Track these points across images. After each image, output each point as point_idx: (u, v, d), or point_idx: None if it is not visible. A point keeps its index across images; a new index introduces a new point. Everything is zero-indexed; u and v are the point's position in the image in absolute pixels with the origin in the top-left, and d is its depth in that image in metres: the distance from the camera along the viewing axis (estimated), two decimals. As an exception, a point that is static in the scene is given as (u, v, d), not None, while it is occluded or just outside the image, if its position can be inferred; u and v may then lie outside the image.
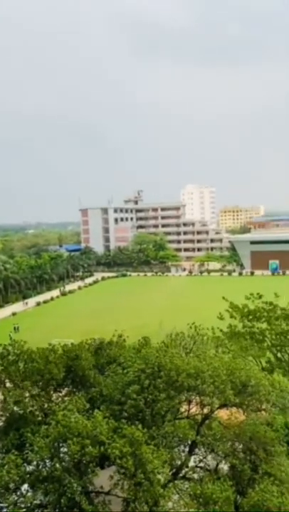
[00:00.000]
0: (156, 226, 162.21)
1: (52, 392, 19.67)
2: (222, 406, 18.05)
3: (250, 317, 35.64)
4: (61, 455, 14.83)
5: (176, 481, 16.82)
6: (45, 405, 18.89)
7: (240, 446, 18.18)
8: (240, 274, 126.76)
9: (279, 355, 34.42)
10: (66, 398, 19.12)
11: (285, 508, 14.38)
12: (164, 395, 16.92)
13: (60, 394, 20.16)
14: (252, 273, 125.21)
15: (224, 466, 18.69)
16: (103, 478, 15.11)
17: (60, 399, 19.59)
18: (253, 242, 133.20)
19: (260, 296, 37.10)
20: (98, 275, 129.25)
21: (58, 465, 14.17)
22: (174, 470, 17.38)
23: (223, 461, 18.53)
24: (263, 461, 17.10)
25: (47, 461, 14.78)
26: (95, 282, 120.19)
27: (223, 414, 19.43)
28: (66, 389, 20.40)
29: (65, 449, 14.66)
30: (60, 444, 14.79)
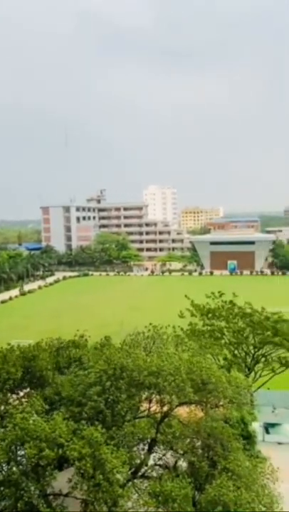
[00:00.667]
0: (118, 226, 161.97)
1: (9, 393, 19.13)
2: (182, 404, 18.31)
3: (210, 315, 36.43)
4: (18, 458, 14.47)
5: (135, 480, 16.88)
6: (2, 407, 18.35)
7: (199, 443, 18.52)
8: (200, 273, 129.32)
9: (236, 352, 35.42)
10: (24, 400, 18.67)
11: (241, 502, 14.79)
12: (125, 396, 16.93)
13: (18, 395, 19.66)
14: (211, 273, 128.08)
15: (183, 463, 18.97)
16: (62, 481, 14.90)
17: (17, 401, 19.09)
18: (212, 243, 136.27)
19: (221, 295, 38.02)
20: (59, 274, 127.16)
21: (14, 468, 13.82)
22: (134, 469, 17.43)
23: (182, 459, 18.80)
24: (220, 456, 17.51)
25: (3, 465, 14.36)
26: (56, 282, 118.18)
27: (182, 411, 19.70)
28: (24, 391, 19.92)
29: (23, 452, 14.31)
30: (18, 447, 14.42)
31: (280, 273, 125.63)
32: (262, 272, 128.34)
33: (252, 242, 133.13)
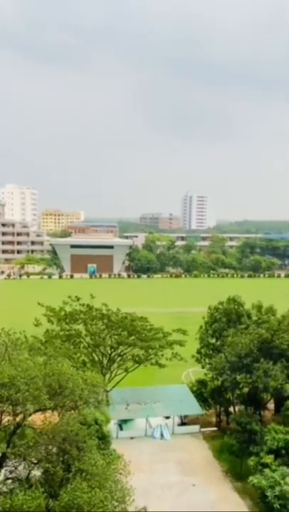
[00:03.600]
0: None
1: None
2: (37, 411, 17.69)
3: (68, 320, 36.22)
4: None
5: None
6: None
7: (54, 449, 18.15)
8: (61, 277, 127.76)
9: (94, 354, 36.01)
10: None
11: (94, 502, 15.01)
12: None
13: None
14: (71, 276, 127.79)
15: (37, 472, 18.31)
16: None
17: None
18: (73, 246, 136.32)
19: (78, 299, 38.12)
20: None
21: None
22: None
23: (36, 468, 18.14)
24: (75, 459, 17.48)
25: None
26: None
27: (37, 419, 19.04)
28: None
29: None
30: None
31: (135, 276, 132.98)
32: (119, 274, 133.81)
33: (111, 247, 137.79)
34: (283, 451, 21.80)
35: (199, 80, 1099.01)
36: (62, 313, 36.79)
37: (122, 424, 33.89)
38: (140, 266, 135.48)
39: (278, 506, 16.47)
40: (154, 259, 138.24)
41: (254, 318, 36.00)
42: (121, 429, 33.53)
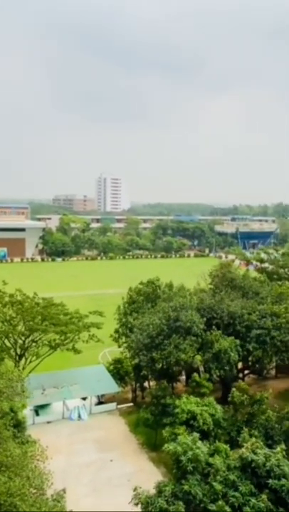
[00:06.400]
0: None
1: None
2: None
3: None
4: None
5: None
6: None
7: None
8: None
9: (6, 341, 34.68)
10: None
11: (11, 491, 14.73)
12: None
13: None
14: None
15: None
16: None
17: None
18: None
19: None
20: None
21: None
22: None
23: None
24: (-11, 452, 16.87)
25: None
26: None
27: None
28: None
29: None
30: None
31: (50, 259, 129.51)
32: (33, 258, 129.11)
33: (22, 229, 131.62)
34: (192, 422, 23.62)
35: (110, 61, 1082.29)
36: None
37: (38, 409, 33.40)
38: (55, 249, 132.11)
39: (191, 468, 17.86)
40: (68, 241, 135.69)
41: (163, 296, 37.62)
42: (37, 414, 33.05)
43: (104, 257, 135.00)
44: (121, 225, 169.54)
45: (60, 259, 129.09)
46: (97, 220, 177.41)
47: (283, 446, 19.75)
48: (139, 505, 17.78)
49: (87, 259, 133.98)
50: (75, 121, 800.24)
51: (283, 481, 17.29)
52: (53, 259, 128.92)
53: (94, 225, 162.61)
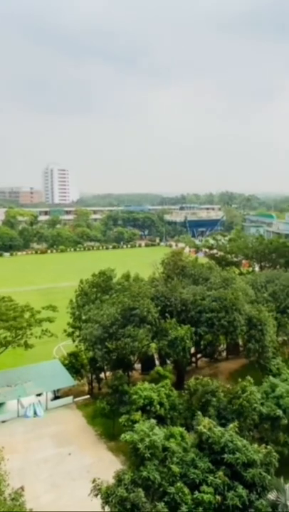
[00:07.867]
0: None
1: None
2: None
3: None
4: None
5: None
6: None
7: None
8: None
9: None
10: None
11: None
12: None
13: None
14: None
15: None
16: None
17: None
18: None
19: None
20: None
21: None
22: None
23: None
24: None
25: None
26: None
27: None
28: None
29: None
30: None
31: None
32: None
33: None
34: (148, 407, 23.99)
35: (54, 50, 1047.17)
36: None
37: (-9, 410, 32.35)
38: (1, 243, 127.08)
39: (149, 455, 18.14)
40: (16, 235, 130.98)
41: (118, 287, 37.69)
42: (-9, 415, 32.00)
43: (54, 250, 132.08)
44: (70, 216, 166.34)
45: (7, 254, 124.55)
46: (46, 213, 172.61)
47: (236, 423, 20.73)
48: (99, 496, 17.83)
49: (36, 252, 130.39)
50: (17, 110, 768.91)
51: (237, 454, 18.17)
52: (0, 254, 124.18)
53: (42, 217, 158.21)
